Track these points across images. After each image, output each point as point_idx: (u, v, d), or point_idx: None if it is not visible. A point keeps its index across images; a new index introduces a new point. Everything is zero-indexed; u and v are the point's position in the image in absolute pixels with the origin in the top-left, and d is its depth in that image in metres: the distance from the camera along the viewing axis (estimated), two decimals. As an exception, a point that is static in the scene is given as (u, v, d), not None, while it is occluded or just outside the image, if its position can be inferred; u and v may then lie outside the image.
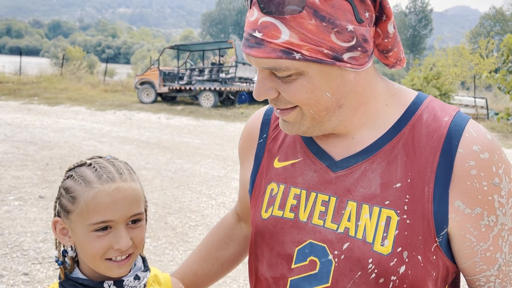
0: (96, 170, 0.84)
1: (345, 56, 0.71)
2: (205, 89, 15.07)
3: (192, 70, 16.40)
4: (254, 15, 0.71)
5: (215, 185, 5.92)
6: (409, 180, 0.75)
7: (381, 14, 0.74)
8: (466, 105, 15.54)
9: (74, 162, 0.90)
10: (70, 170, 0.87)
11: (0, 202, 4.81)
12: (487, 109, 15.55)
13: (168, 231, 4.30)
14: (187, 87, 15.24)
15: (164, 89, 15.53)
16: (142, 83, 15.77)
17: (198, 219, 4.68)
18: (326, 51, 0.69)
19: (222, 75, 15.71)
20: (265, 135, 0.94)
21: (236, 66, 15.41)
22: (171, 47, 17.41)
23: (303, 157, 0.86)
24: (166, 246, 3.97)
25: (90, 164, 0.86)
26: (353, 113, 0.79)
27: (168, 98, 16.11)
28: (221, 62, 17.62)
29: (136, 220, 0.85)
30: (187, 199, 5.30)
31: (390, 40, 0.77)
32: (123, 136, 9.10)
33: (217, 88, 14.92)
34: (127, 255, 0.85)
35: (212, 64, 17.13)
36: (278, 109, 0.78)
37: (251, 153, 0.96)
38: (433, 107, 0.80)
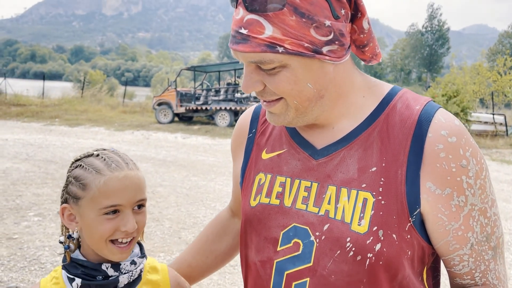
0: (104, 159, 0.92)
1: (324, 49, 0.77)
2: (221, 108, 15.28)
3: (208, 90, 16.66)
4: (239, 13, 0.78)
5: (228, 201, 5.95)
6: (383, 164, 0.80)
7: (356, 11, 0.81)
8: (485, 122, 15.26)
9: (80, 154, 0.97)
10: (77, 160, 0.95)
11: (20, 218, 4.95)
12: (506, 125, 15.28)
13: (182, 246, 4.35)
14: (204, 107, 15.48)
15: (181, 109, 15.78)
16: (159, 104, 16.06)
17: (211, 234, 4.72)
18: (306, 44, 0.76)
19: (238, 95, 15.90)
20: (254, 130, 1.01)
21: (251, 86, 15.56)
22: (188, 69, 17.75)
23: (288, 148, 0.92)
24: (179, 260, 4.02)
25: (98, 155, 0.93)
26: (333, 105, 0.85)
27: (185, 118, 16.35)
28: (237, 82, 17.85)
29: (140, 205, 0.93)
30: (201, 215, 5.35)
31: (365, 35, 0.83)
32: (140, 155, 9.26)
33: (233, 108, 15.12)
34: (130, 240, 0.92)
35: (228, 84, 17.37)
36: (264, 101, 0.85)
37: (241, 148, 1.03)
38: (406, 97, 0.86)
